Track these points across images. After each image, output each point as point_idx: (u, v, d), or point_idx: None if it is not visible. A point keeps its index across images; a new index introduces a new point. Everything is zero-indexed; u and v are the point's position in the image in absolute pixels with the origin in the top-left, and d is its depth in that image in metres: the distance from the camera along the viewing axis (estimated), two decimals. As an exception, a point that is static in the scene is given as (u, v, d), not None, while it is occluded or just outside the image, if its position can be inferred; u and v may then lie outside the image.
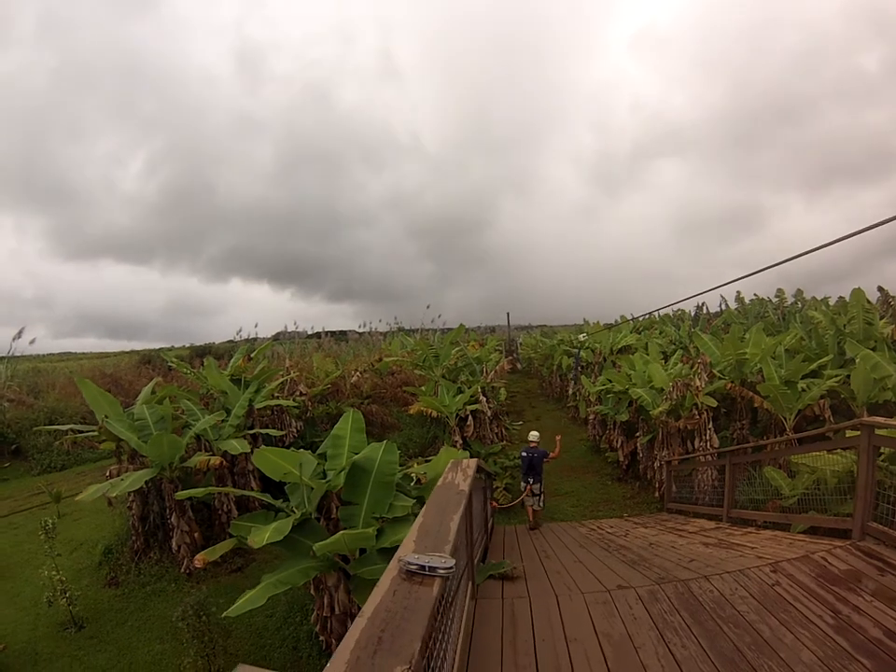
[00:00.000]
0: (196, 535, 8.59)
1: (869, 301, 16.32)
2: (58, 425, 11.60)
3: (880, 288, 20.58)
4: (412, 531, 2.39)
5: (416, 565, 1.92)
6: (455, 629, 3.13)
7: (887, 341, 12.05)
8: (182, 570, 8.46)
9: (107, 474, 8.65)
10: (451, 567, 1.93)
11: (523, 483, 9.36)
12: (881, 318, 14.44)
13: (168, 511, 8.73)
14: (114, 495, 7.70)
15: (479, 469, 6.05)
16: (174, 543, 8.60)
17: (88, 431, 9.99)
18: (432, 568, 1.90)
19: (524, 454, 9.40)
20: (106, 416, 8.89)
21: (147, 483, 8.76)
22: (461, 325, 18.27)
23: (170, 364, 15.35)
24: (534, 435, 9.62)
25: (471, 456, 5.63)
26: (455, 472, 3.65)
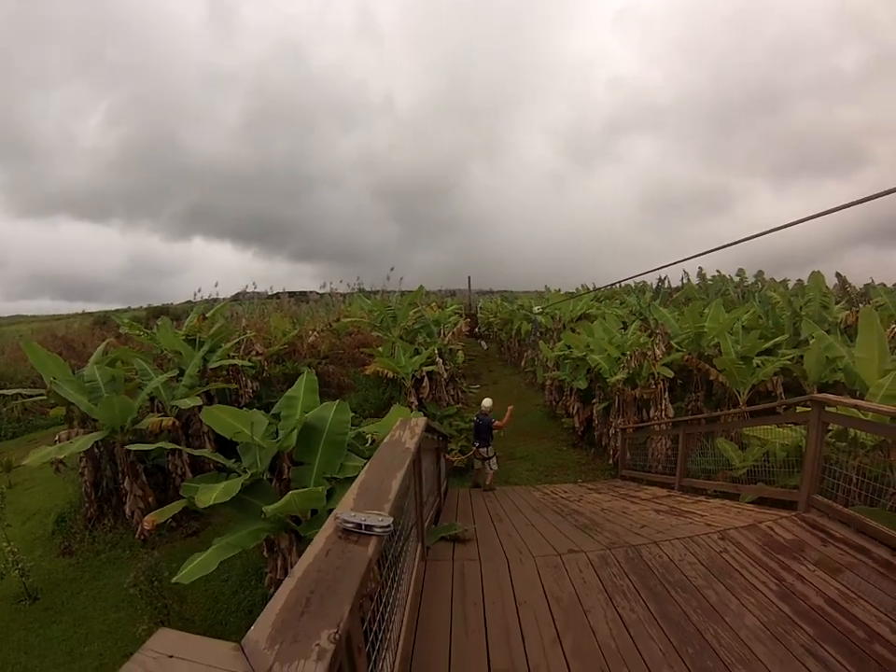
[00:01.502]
0: (150, 499, 8.31)
1: (827, 287, 16.82)
2: (5, 390, 10.99)
3: (838, 275, 21.22)
4: (351, 488, 2.26)
5: (352, 523, 1.81)
6: (404, 590, 3.05)
7: (840, 326, 12.40)
8: (137, 536, 8.21)
9: (56, 438, 8.28)
10: (387, 526, 1.83)
11: (479, 462, 9.85)
12: (837, 303, 14.89)
13: (121, 475, 8.42)
14: (62, 457, 7.39)
15: (431, 430, 5.96)
16: (127, 509, 8.33)
17: (36, 395, 9.60)
18: (368, 527, 1.79)
19: (475, 419, 9.86)
20: (54, 378, 8.41)
21: (98, 447, 8.52)
22: (420, 286, 18.00)
23: (120, 326, 14.67)
24: (485, 403, 9.87)
25: (426, 417, 5.56)
26: (403, 430, 3.52)
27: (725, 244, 5.40)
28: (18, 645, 6.30)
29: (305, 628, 1.27)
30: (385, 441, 3.32)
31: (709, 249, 5.86)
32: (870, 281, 20.81)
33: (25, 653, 6.14)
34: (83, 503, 8.92)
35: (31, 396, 9.97)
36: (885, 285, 18.50)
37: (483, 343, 27.68)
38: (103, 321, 24.70)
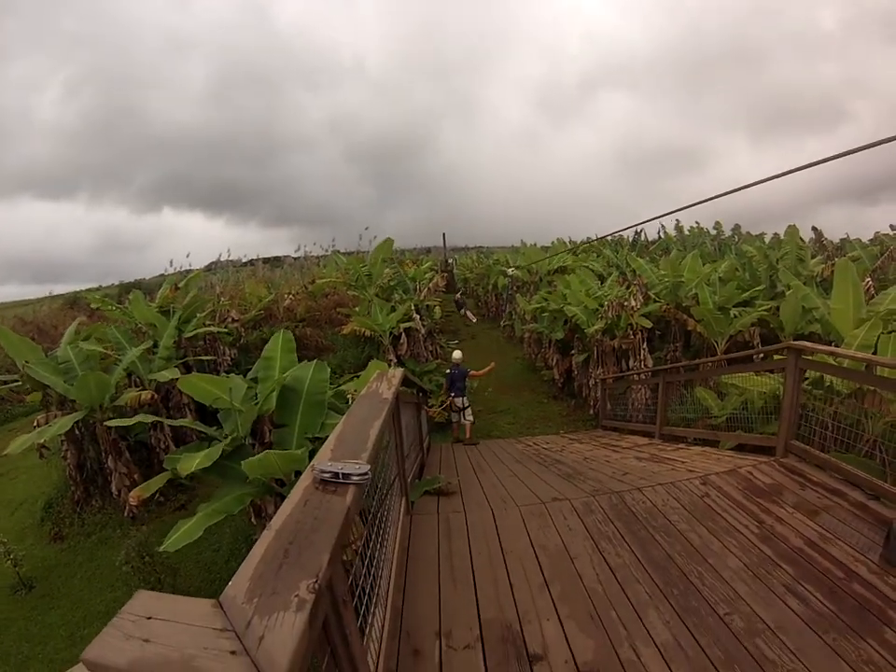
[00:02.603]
0: (135, 476, 8.19)
1: (802, 241, 16.93)
2: (-24, 379, 10.64)
3: (814, 229, 21.30)
4: (328, 440, 2.20)
5: (329, 472, 1.75)
6: (390, 546, 3.04)
7: (816, 279, 12.54)
8: (126, 515, 8.18)
9: (35, 424, 8.08)
10: (365, 474, 1.78)
11: (456, 415, 9.99)
12: (813, 257, 15.03)
13: (104, 454, 8.28)
14: (42, 441, 7.23)
15: (410, 384, 5.90)
16: (113, 488, 8.24)
17: (10, 381, 9.39)
18: (346, 475, 1.74)
19: (449, 371, 10.00)
20: (27, 362, 8.13)
21: (79, 429, 8.36)
22: (388, 238, 16.61)
23: (92, 304, 14.22)
24: (456, 355, 10.03)
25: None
26: (380, 382, 3.44)
27: (712, 195, 5.28)
28: (18, 634, 6.30)
29: (284, 580, 1.23)
30: (362, 393, 3.25)
31: (698, 201, 5.69)
32: (845, 236, 20.98)
33: (27, 642, 6.15)
34: (69, 487, 8.83)
35: (5, 382, 9.77)
36: (860, 240, 18.66)
37: (467, 313, 21.71)
38: (73, 302, 23.89)
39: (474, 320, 20.58)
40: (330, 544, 1.39)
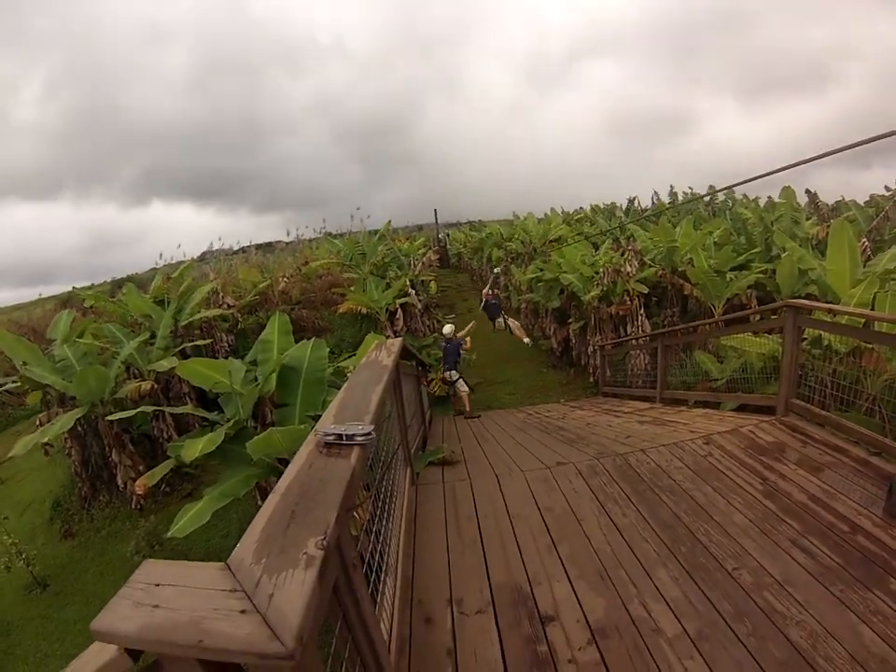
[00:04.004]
0: (140, 468, 8.15)
1: (797, 203, 16.80)
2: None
3: (808, 191, 21.09)
4: (330, 407, 2.17)
5: (333, 434, 1.72)
6: (397, 516, 3.03)
7: (811, 241, 12.46)
8: (133, 507, 8.19)
9: (37, 423, 8.13)
10: (369, 434, 1.75)
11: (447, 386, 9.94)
12: (807, 219, 14.93)
13: (108, 448, 8.26)
14: (46, 440, 7.19)
15: (410, 356, 5.86)
16: (119, 481, 8.22)
17: (9, 384, 9.32)
18: (349, 437, 1.71)
19: (443, 345, 9.89)
20: (25, 363, 8.07)
21: (81, 425, 8.31)
22: (388, 221, 17.64)
23: (85, 300, 14.04)
24: (447, 329, 9.87)
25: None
26: (380, 351, 3.41)
27: (771, 170, 4.64)
28: (35, 633, 6.34)
29: (292, 539, 1.22)
30: (361, 362, 3.22)
31: (755, 176, 4.98)
32: (840, 198, 20.75)
33: (44, 640, 6.19)
34: (75, 484, 8.85)
35: (3, 385, 9.74)
36: (856, 201, 18.44)
37: (509, 324, 12.22)
38: (66, 301, 23.55)
39: (526, 340, 11.73)
40: (337, 503, 1.36)
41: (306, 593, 1.04)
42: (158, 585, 1.08)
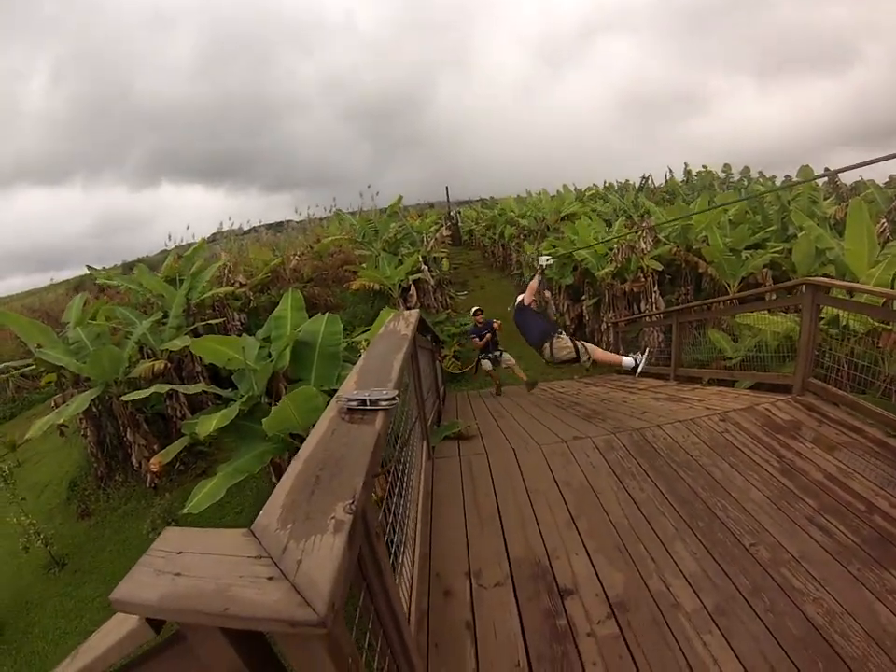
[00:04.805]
0: (155, 447, 8.18)
1: (815, 182, 16.45)
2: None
3: (826, 170, 20.57)
4: (351, 374, 2.13)
5: (356, 400, 1.68)
6: (414, 490, 3.03)
7: (829, 221, 12.21)
8: (148, 485, 8.30)
9: (52, 405, 8.12)
10: (393, 399, 1.70)
11: (490, 364, 8.84)
12: (825, 199, 14.63)
13: (123, 428, 8.34)
14: (61, 421, 7.22)
15: (426, 330, 5.82)
16: (134, 461, 8.32)
17: (24, 366, 9.43)
18: (373, 401, 1.67)
19: (479, 331, 8.64)
20: (39, 345, 8.11)
21: (96, 405, 8.38)
22: (399, 196, 17.44)
23: (97, 280, 14.07)
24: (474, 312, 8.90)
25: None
26: (397, 321, 3.38)
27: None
28: (54, 611, 6.44)
29: (318, 504, 1.19)
30: (380, 331, 3.19)
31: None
32: (859, 178, 20.26)
33: (63, 617, 6.28)
34: (91, 464, 8.97)
35: (18, 368, 9.85)
36: (875, 182, 17.97)
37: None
38: (78, 285, 23.59)
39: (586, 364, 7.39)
40: (364, 468, 1.33)
41: (336, 558, 1.01)
42: (180, 553, 1.05)
